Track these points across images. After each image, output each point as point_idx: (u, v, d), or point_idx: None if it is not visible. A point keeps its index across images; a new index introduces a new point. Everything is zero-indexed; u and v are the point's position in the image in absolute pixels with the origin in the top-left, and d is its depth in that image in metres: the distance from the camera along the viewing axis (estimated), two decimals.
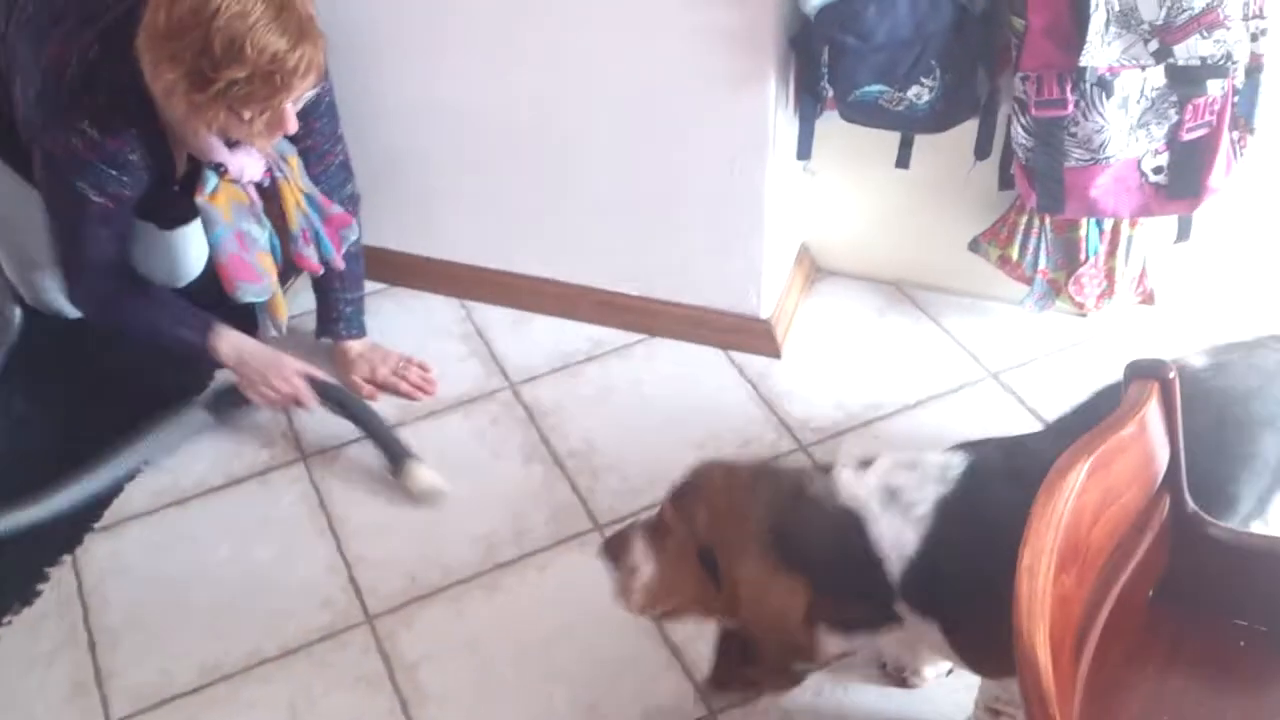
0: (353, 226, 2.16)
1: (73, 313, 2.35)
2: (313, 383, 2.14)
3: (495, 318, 2.45)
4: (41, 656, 1.89)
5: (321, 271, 2.15)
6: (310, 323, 2.34)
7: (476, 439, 2.20)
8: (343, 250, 2.16)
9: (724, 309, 2.29)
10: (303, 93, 1.81)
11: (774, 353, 2.29)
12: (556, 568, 1.97)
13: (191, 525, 2.08)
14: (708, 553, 1.44)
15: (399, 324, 2.44)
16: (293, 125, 1.84)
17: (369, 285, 2.43)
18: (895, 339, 2.33)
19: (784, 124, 2.09)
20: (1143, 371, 1.17)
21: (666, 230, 2.24)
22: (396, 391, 2.27)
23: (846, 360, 2.29)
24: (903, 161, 2.12)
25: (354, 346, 2.30)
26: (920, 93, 1.94)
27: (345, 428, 2.21)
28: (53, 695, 1.83)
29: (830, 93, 1.98)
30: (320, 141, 2.10)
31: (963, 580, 1.35)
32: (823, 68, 1.94)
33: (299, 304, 2.39)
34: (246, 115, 1.77)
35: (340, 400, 2.18)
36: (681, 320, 2.32)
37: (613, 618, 1.86)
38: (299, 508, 2.10)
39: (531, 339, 2.40)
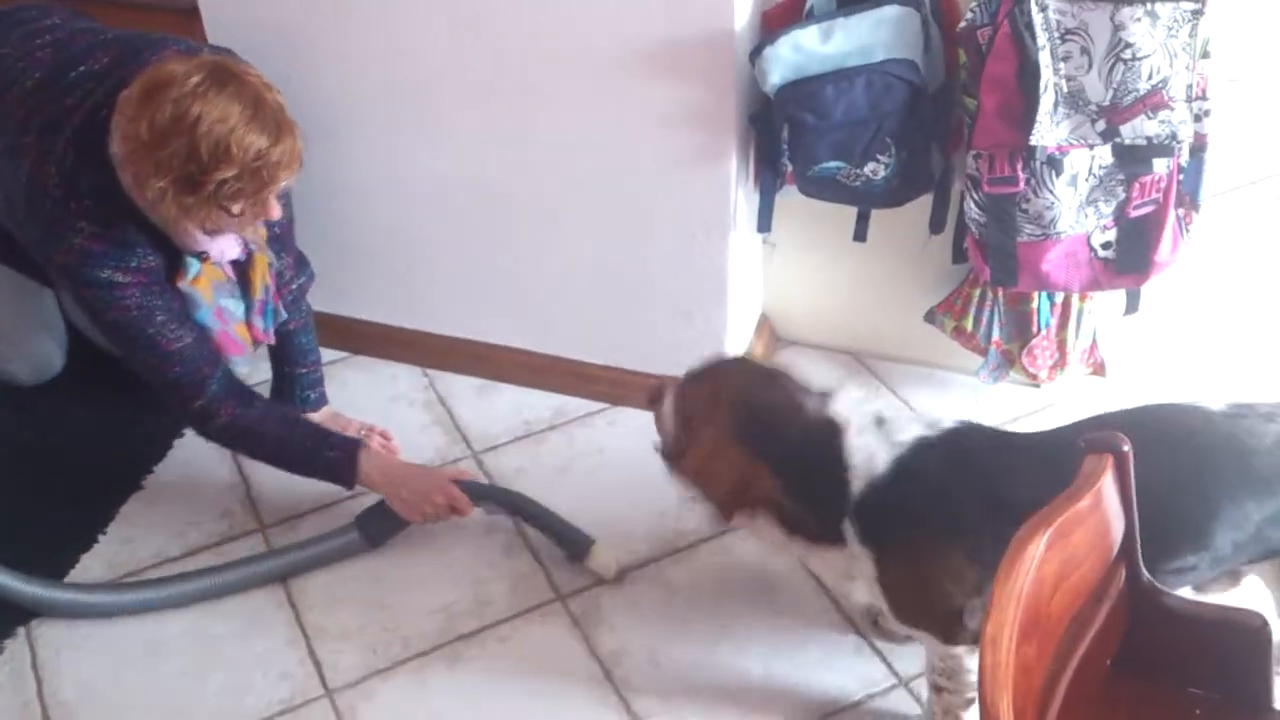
0: (282, 301, 2.18)
1: (38, 379, 2.34)
2: (465, 485, 2.07)
3: (459, 386, 2.46)
4: None
5: (264, 343, 2.16)
6: (269, 392, 2.33)
7: None
8: (292, 318, 2.20)
9: None
10: (287, 181, 1.85)
11: None
12: (518, 638, 1.97)
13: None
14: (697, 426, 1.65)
15: (362, 392, 2.44)
16: (276, 211, 1.88)
17: (333, 354, 2.45)
18: None
19: (745, 198, 2.14)
20: (1097, 445, 1.21)
21: (631, 301, 2.27)
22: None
23: None
24: (860, 235, 2.17)
25: (313, 417, 2.30)
26: (876, 169, 1.99)
27: (303, 497, 2.20)
28: None
29: (789, 168, 2.04)
30: (288, 226, 2.14)
31: (909, 517, 1.51)
32: (782, 144, 1.99)
33: (260, 372, 2.39)
34: (235, 210, 1.81)
35: (498, 499, 2.11)
36: (644, 389, 2.34)
37: (573, 693, 1.89)
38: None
39: (495, 407, 2.41)
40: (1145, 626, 1.30)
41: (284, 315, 2.17)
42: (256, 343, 2.15)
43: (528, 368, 2.42)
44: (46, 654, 1.97)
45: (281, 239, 2.16)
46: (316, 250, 2.30)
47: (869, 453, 1.53)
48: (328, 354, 2.40)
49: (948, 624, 1.56)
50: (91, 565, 2.11)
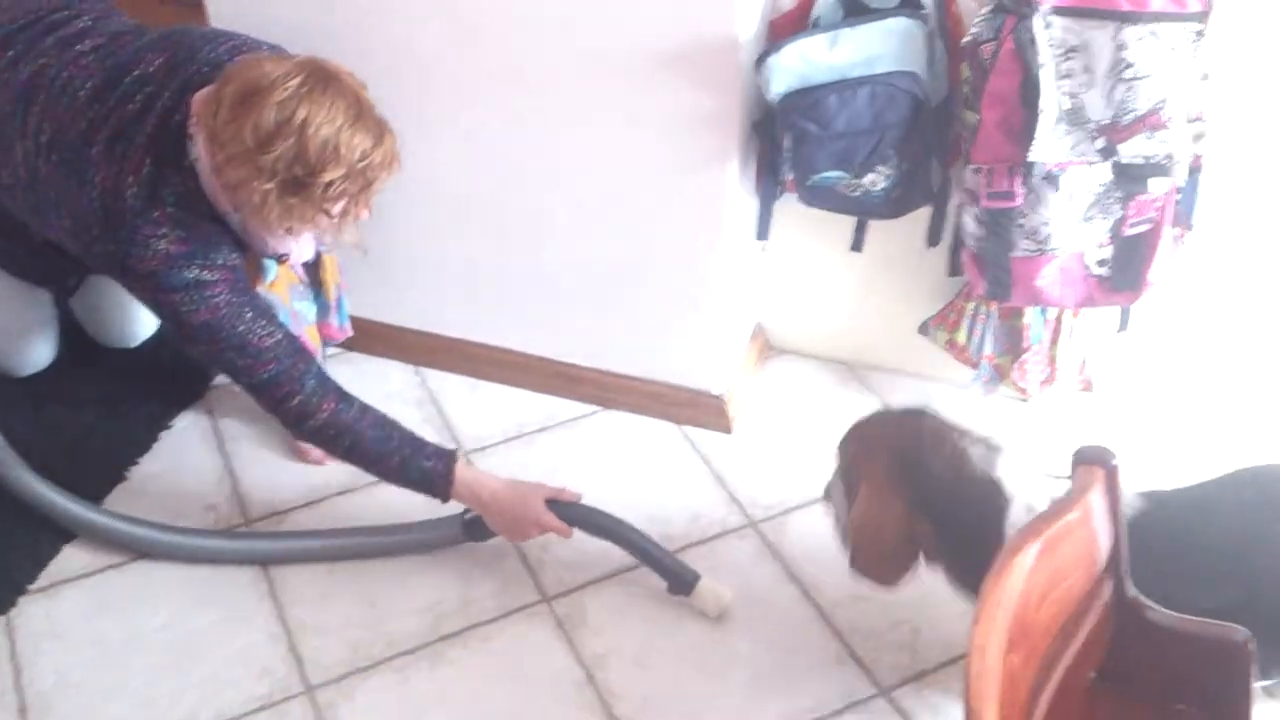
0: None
1: (22, 371, 2.36)
2: (563, 509, 2.01)
3: (451, 385, 2.48)
4: None
5: (338, 340, 2.20)
6: None
7: (426, 507, 2.20)
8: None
9: (678, 384, 2.34)
10: (386, 181, 1.88)
11: (725, 428, 2.35)
12: (503, 640, 1.99)
13: (131, 588, 2.07)
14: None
15: (353, 389, 2.41)
16: (368, 212, 1.90)
17: (326, 349, 2.46)
18: (845, 418, 2.38)
19: (744, 205, 2.17)
20: (1088, 459, 1.24)
21: (625, 305, 2.30)
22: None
23: (797, 438, 2.35)
24: (857, 245, 2.21)
25: None
26: (876, 180, 2.03)
27: (290, 493, 2.22)
28: None
29: (790, 176, 2.07)
30: None
31: None
32: (784, 153, 2.02)
33: None
34: (335, 210, 1.83)
35: (599, 524, 2.03)
36: (636, 394, 2.37)
37: (555, 696, 1.91)
38: (241, 574, 2.09)
39: (486, 408, 2.43)
40: (1129, 640, 1.33)
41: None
42: (330, 341, 2.18)
43: (519, 368, 2.44)
44: (25, 644, 1.98)
45: None
46: None
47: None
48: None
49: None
50: (75, 555, 2.12)
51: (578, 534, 2.02)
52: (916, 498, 1.62)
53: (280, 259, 2.02)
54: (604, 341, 2.36)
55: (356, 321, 2.50)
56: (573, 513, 2.02)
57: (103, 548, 2.13)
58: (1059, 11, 1.83)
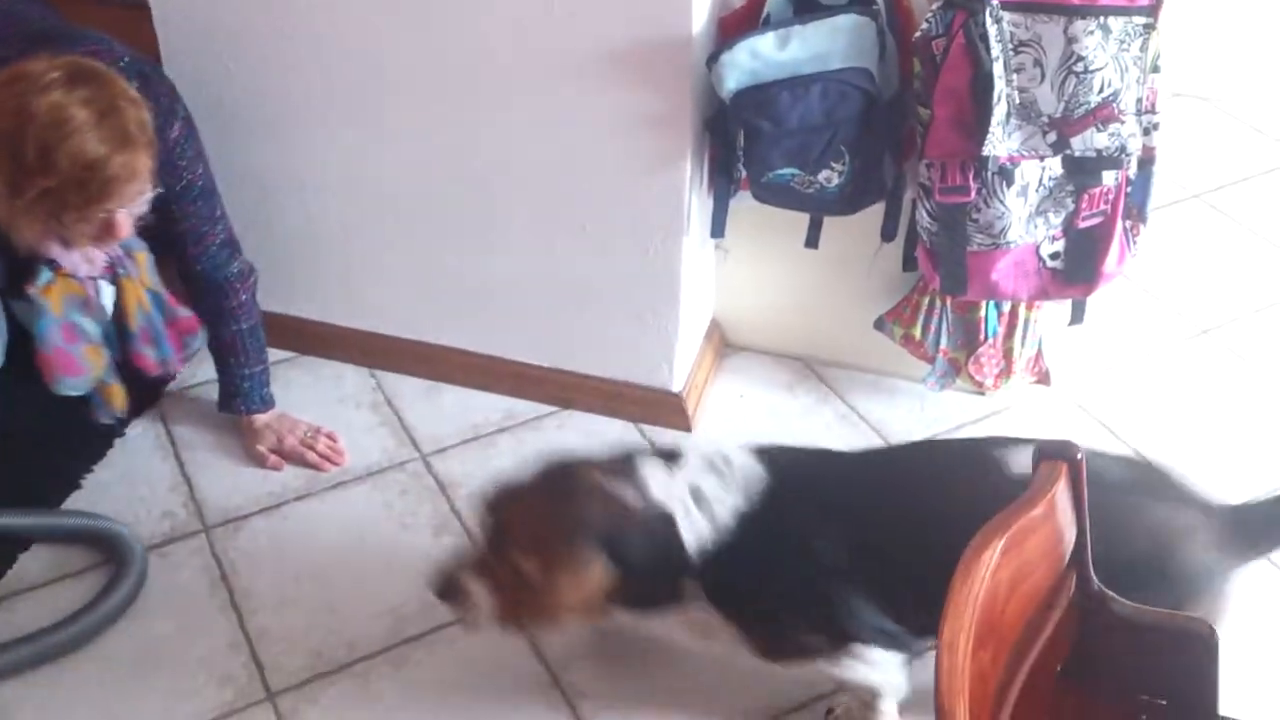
0: (198, 335, 2.11)
1: None
2: None
3: (407, 388, 2.41)
4: None
5: (158, 373, 2.10)
6: (215, 392, 2.27)
7: (385, 510, 2.16)
8: (184, 355, 2.11)
9: (637, 382, 2.29)
10: (130, 200, 1.74)
11: (685, 426, 2.30)
12: (466, 641, 1.92)
13: (86, 599, 1.97)
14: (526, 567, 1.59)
15: (308, 393, 2.39)
16: (124, 233, 1.77)
17: (279, 354, 2.39)
18: (802, 414, 2.35)
19: (699, 203, 2.12)
20: (1051, 453, 1.20)
21: (582, 304, 2.24)
22: (303, 461, 2.22)
23: (755, 434, 2.27)
24: (812, 241, 2.16)
25: (259, 418, 2.24)
26: (830, 176, 1.98)
27: (246, 497, 2.16)
28: None
29: (744, 174, 2.02)
30: (197, 224, 2.05)
31: (748, 579, 1.59)
32: (738, 150, 1.98)
33: (204, 372, 2.33)
34: (67, 220, 1.70)
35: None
36: (595, 393, 2.31)
37: (521, 697, 1.85)
38: (200, 580, 2.02)
39: (443, 409, 2.36)
40: (1095, 633, 1.30)
41: (196, 347, 2.11)
42: (147, 373, 2.09)
43: (476, 370, 2.38)
44: None
45: (229, 243, 2.10)
46: (262, 248, 2.25)
47: (699, 537, 1.58)
48: (272, 354, 2.32)
49: (814, 653, 1.65)
50: (30, 566, 2.04)
51: None
52: (610, 559, 1.57)
53: (54, 266, 1.88)
54: (562, 341, 2.30)
55: (308, 324, 2.45)
56: None
57: (58, 558, 2.05)
58: (1009, 6, 1.80)
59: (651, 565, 1.58)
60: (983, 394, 2.30)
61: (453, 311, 2.34)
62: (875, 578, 1.58)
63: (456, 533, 2.10)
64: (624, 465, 1.62)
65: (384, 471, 2.22)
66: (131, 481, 2.20)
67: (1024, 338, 2.17)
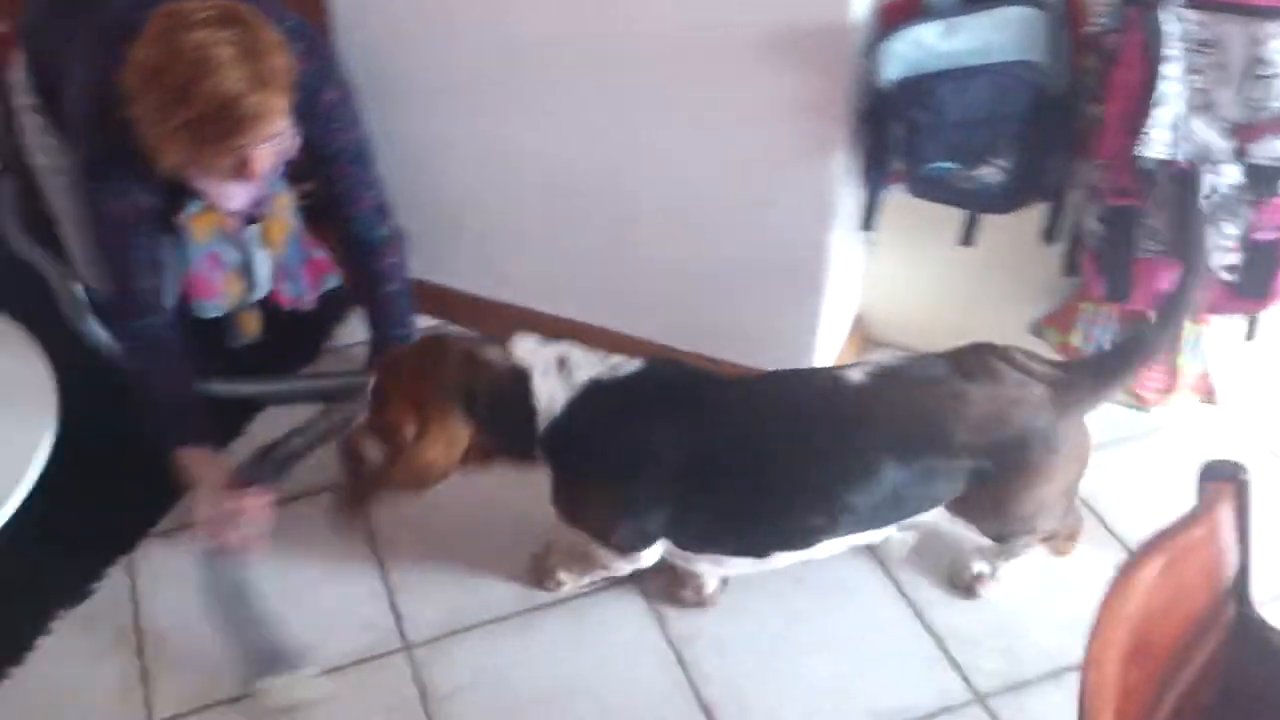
0: (332, 275, 2.16)
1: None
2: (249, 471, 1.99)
3: None
4: (92, 652, 1.87)
5: (291, 308, 2.17)
6: (363, 353, 2.28)
7: (520, 483, 2.09)
8: (318, 293, 2.16)
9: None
10: (264, 140, 1.75)
11: None
12: (593, 615, 1.91)
13: None
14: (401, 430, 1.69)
15: None
16: (260, 170, 1.79)
17: (425, 320, 2.39)
18: None
19: (849, 194, 2.03)
20: (1217, 474, 1.09)
21: (724, 290, 2.18)
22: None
23: None
24: (967, 239, 2.04)
25: None
26: (990, 173, 1.87)
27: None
28: (100, 691, 1.82)
29: (899, 166, 1.92)
30: (351, 186, 2.06)
31: (577, 445, 1.69)
32: (893, 142, 1.88)
33: (361, 334, 2.35)
34: (206, 154, 1.73)
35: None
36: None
37: (643, 672, 1.82)
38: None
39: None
40: (1251, 663, 1.18)
41: (330, 285, 2.17)
42: (280, 307, 2.13)
43: (612, 347, 2.30)
44: (145, 583, 1.97)
45: (381, 208, 2.11)
46: (413, 216, 2.24)
47: (550, 395, 1.68)
48: (419, 320, 2.33)
49: (599, 536, 1.77)
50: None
51: None
52: (469, 413, 1.68)
53: (204, 200, 1.94)
54: (701, 325, 2.24)
55: (453, 293, 2.45)
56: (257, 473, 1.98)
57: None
58: (1192, 4, 1.66)
59: (505, 418, 1.68)
60: (1144, 409, 2.14)
61: (592, 289, 2.31)
62: (685, 491, 1.67)
63: None
64: (501, 338, 1.73)
65: None
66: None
67: (1191, 352, 2.01)
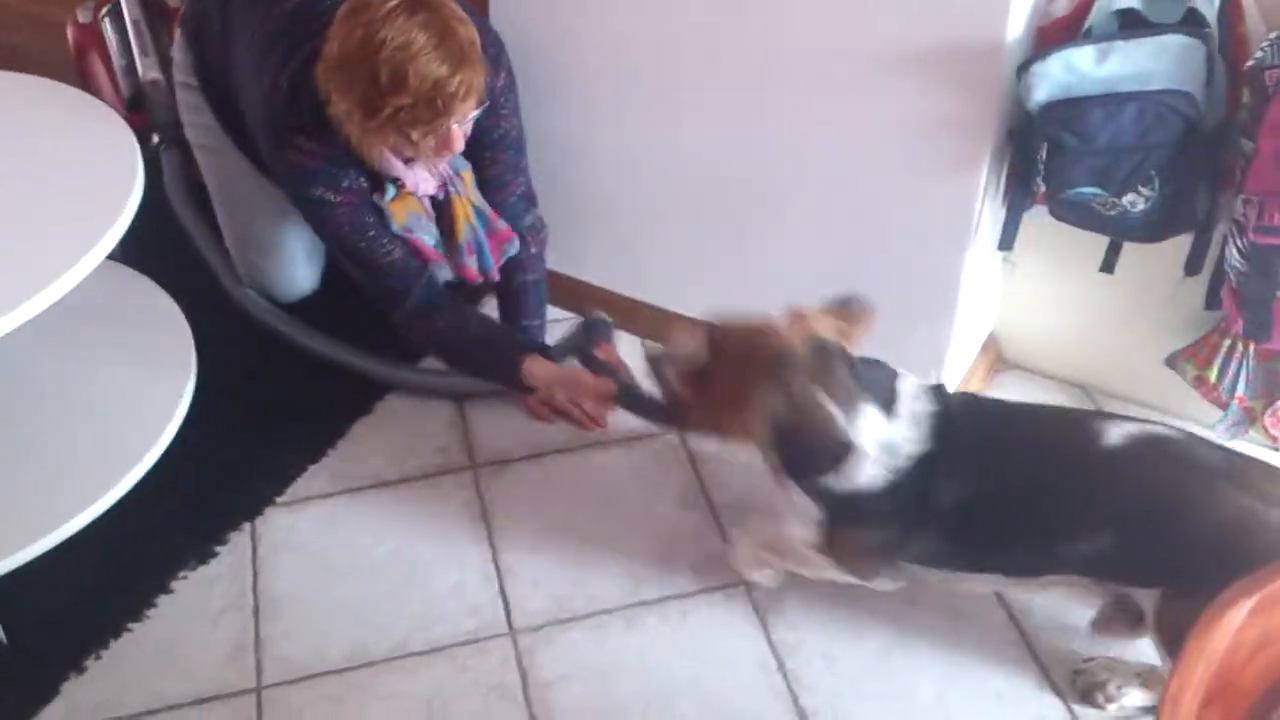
0: (513, 242, 2.30)
1: (288, 296, 2.54)
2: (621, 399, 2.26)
3: None
4: (209, 614, 2.04)
5: (479, 281, 2.31)
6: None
7: (638, 476, 2.29)
8: (500, 262, 2.31)
9: None
10: (466, 114, 1.94)
11: None
12: (698, 617, 2.03)
13: (363, 514, 2.22)
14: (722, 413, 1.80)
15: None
16: (460, 145, 1.99)
17: (560, 313, 2.56)
18: None
19: (990, 213, 2.12)
20: None
21: None
22: (569, 418, 2.38)
23: None
24: (1108, 266, 2.12)
25: None
26: (1135, 200, 1.95)
27: (517, 442, 2.34)
28: (214, 652, 1.98)
29: (1042, 188, 2.01)
30: (503, 171, 2.25)
31: (861, 499, 1.76)
32: (1039, 163, 1.97)
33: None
34: (414, 136, 1.92)
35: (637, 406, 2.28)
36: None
37: (743, 677, 1.94)
38: (462, 514, 2.22)
39: None
40: None
41: (511, 253, 2.30)
42: (469, 282, 2.30)
43: None
44: (266, 551, 2.14)
45: (528, 196, 2.28)
46: (554, 209, 2.43)
47: (870, 476, 1.75)
48: (553, 313, 2.53)
49: (859, 572, 1.90)
50: (319, 476, 2.29)
51: None
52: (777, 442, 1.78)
53: (397, 184, 2.11)
54: None
55: (586, 287, 2.60)
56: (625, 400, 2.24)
57: (343, 472, 2.30)
58: None
59: (804, 454, 1.77)
60: (1278, 449, 2.19)
61: (725, 292, 2.41)
62: (947, 526, 1.78)
63: (702, 508, 2.21)
64: (849, 390, 1.76)
65: (641, 439, 2.36)
66: (417, 413, 2.42)
67: None
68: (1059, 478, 1.75)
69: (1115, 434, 1.74)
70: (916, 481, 1.75)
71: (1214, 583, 1.45)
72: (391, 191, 2.14)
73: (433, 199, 2.20)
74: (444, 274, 2.26)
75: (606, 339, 2.38)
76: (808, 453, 1.77)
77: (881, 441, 1.74)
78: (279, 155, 2.09)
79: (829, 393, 1.73)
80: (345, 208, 2.09)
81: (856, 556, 1.88)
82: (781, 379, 1.73)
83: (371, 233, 2.13)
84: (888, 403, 1.77)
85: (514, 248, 2.31)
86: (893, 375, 1.82)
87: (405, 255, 2.17)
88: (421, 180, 2.14)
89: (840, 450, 1.74)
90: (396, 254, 2.16)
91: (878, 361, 1.84)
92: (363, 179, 2.10)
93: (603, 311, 2.42)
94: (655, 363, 1.95)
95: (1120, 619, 1.89)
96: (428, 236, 2.21)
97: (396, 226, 2.17)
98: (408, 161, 2.08)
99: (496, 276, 2.31)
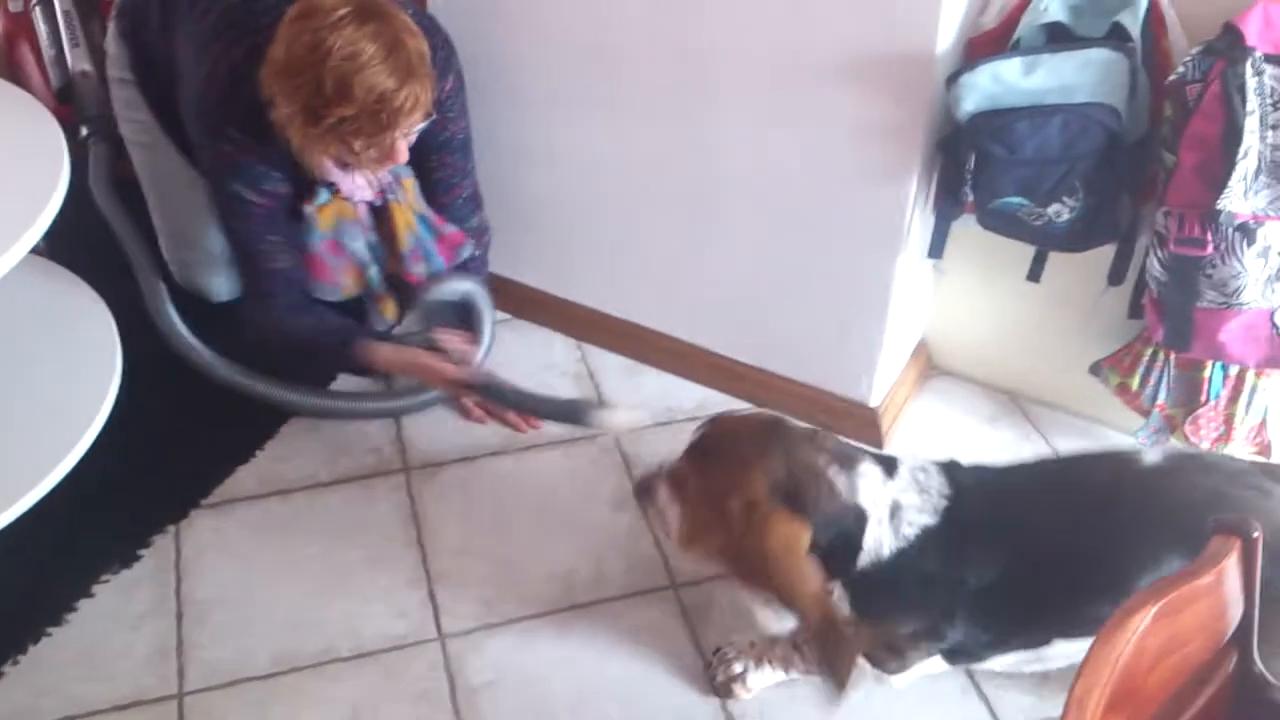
0: (466, 245, 2.30)
1: (219, 296, 2.52)
2: (482, 385, 2.24)
3: (609, 363, 2.56)
4: (131, 618, 2.02)
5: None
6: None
7: (571, 478, 2.30)
8: (452, 265, 2.31)
9: (834, 391, 2.35)
10: (412, 127, 1.94)
11: (877, 441, 2.34)
12: (629, 619, 2.05)
13: (292, 516, 2.21)
14: (724, 499, 1.70)
15: (518, 356, 2.56)
16: (403, 157, 1.98)
17: (497, 314, 2.56)
18: (1000, 449, 2.36)
19: (920, 221, 2.16)
20: (1226, 527, 1.21)
21: (788, 306, 2.32)
22: (503, 420, 2.39)
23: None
24: (1034, 275, 2.17)
25: None
26: (1061, 211, 1.99)
27: (450, 446, 2.33)
28: (135, 657, 1.96)
29: (970, 197, 2.05)
30: (450, 174, 2.26)
31: (892, 590, 1.71)
32: (967, 173, 2.01)
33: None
34: (357, 146, 1.92)
35: (506, 399, 2.28)
36: (790, 395, 2.39)
37: (675, 679, 1.96)
38: (394, 516, 2.22)
39: (641, 389, 2.49)
40: (1249, 716, 1.30)
41: (465, 255, 2.30)
42: (416, 285, 2.30)
43: (677, 355, 2.50)
44: (191, 554, 2.13)
45: (474, 198, 2.28)
46: (495, 212, 2.44)
47: (879, 541, 1.69)
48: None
49: (888, 667, 1.81)
50: (246, 478, 2.28)
51: None
52: (800, 512, 1.68)
53: (332, 189, 2.11)
54: (765, 340, 2.39)
55: (526, 290, 2.61)
56: (486, 389, 2.25)
57: (273, 474, 2.29)
58: (1272, 60, 1.77)
59: (830, 545, 1.68)
60: None
61: (663, 296, 2.47)
62: (999, 598, 1.69)
63: (634, 511, 2.21)
64: (847, 454, 1.73)
65: (576, 442, 2.37)
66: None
67: (1249, 404, 2.11)
68: (1097, 519, 1.69)
69: (1144, 459, 1.73)
70: (939, 555, 1.69)
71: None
72: (325, 196, 2.13)
73: (371, 205, 2.20)
74: (335, 294, 2.26)
75: (443, 323, 2.34)
76: (826, 525, 1.67)
77: (887, 502, 1.70)
78: (209, 145, 2.07)
79: (827, 455, 1.71)
80: (259, 209, 2.08)
81: (886, 648, 1.79)
82: (780, 445, 1.70)
83: (271, 238, 2.12)
84: (888, 468, 1.74)
85: (467, 250, 2.32)
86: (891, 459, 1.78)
87: (293, 267, 2.17)
88: (358, 188, 2.14)
89: (845, 512, 1.68)
90: (283, 264, 2.16)
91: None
92: (286, 184, 2.09)
93: (437, 296, 2.35)
94: (641, 484, 1.86)
95: None
96: (357, 247, 2.21)
97: (320, 233, 2.16)
98: (345, 167, 2.08)
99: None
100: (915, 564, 1.69)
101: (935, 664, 1.81)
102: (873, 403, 2.34)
